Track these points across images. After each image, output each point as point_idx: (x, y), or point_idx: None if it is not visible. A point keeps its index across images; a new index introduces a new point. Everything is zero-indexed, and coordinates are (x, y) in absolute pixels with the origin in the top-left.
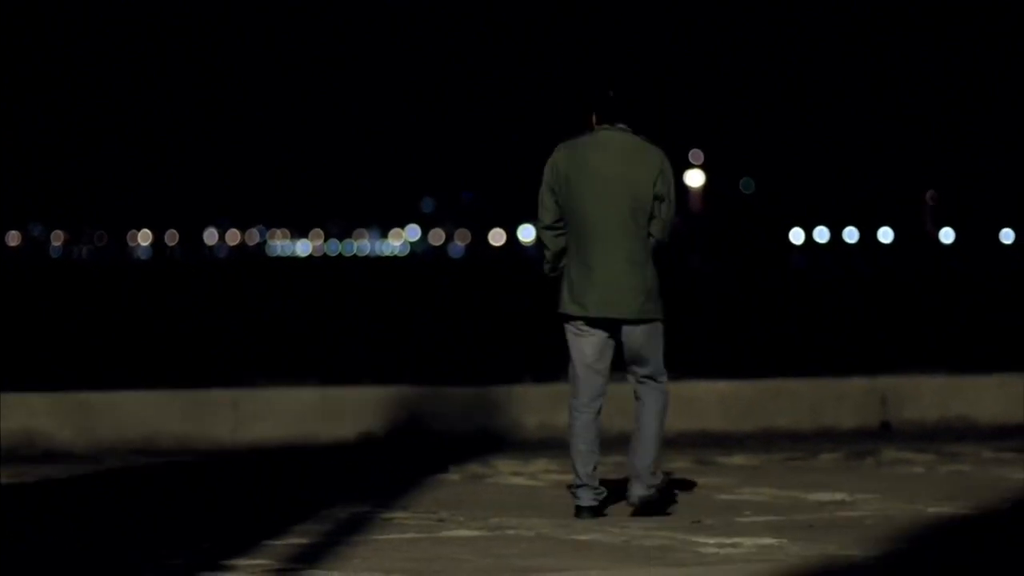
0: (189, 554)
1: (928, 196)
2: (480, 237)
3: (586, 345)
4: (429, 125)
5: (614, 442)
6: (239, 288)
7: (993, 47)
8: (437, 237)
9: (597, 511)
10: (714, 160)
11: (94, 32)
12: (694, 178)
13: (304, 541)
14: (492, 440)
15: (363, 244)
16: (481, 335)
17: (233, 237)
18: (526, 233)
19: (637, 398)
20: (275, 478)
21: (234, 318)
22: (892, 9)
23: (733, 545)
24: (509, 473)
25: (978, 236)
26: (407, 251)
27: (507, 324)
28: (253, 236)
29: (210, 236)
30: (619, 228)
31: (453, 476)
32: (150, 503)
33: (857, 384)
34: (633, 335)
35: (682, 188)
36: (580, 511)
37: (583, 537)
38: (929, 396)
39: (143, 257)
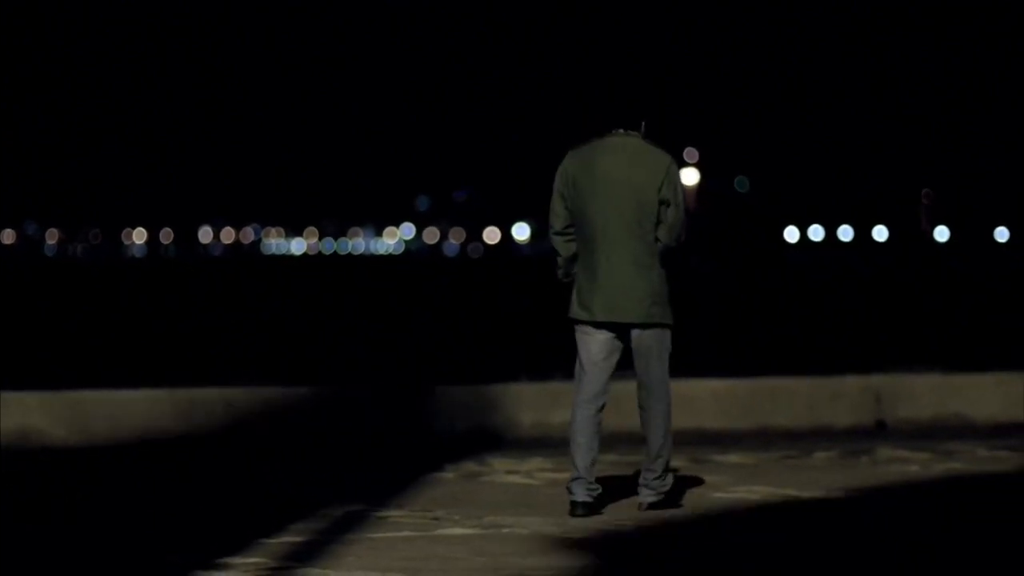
0: (184, 552)
1: (923, 194)
2: (475, 235)
3: (593, 345)
4: (424, 123)
5: (613, 441)
6: (234, 286)
7: (988, 46)
8: (432, 235)
9: (591, 507)
10: (709, 158)
11: (87, 31)
12: (689, 176)
13: (299, 539)
14: (487, 438)
15: (358, 242)
16: (477, 333)
17: (228, 235)
18: (520, 231)
19: (641, 407)
20: (270, 476)
21: (229, 317)
22: (888, 8)
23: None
24: (504, 471)
25: (973, 234)
26: (402, 249)
27: (503, 322)
28: (248, 234)
29: (205, 234)
30: (624, 232)
31: (448, 474)
32: (144, 501)
33: (853, 383)
34: (641, 339)
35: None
36: (574, 506)
37: (578, 535)
38: (924, 395)
39: (138, 255)
